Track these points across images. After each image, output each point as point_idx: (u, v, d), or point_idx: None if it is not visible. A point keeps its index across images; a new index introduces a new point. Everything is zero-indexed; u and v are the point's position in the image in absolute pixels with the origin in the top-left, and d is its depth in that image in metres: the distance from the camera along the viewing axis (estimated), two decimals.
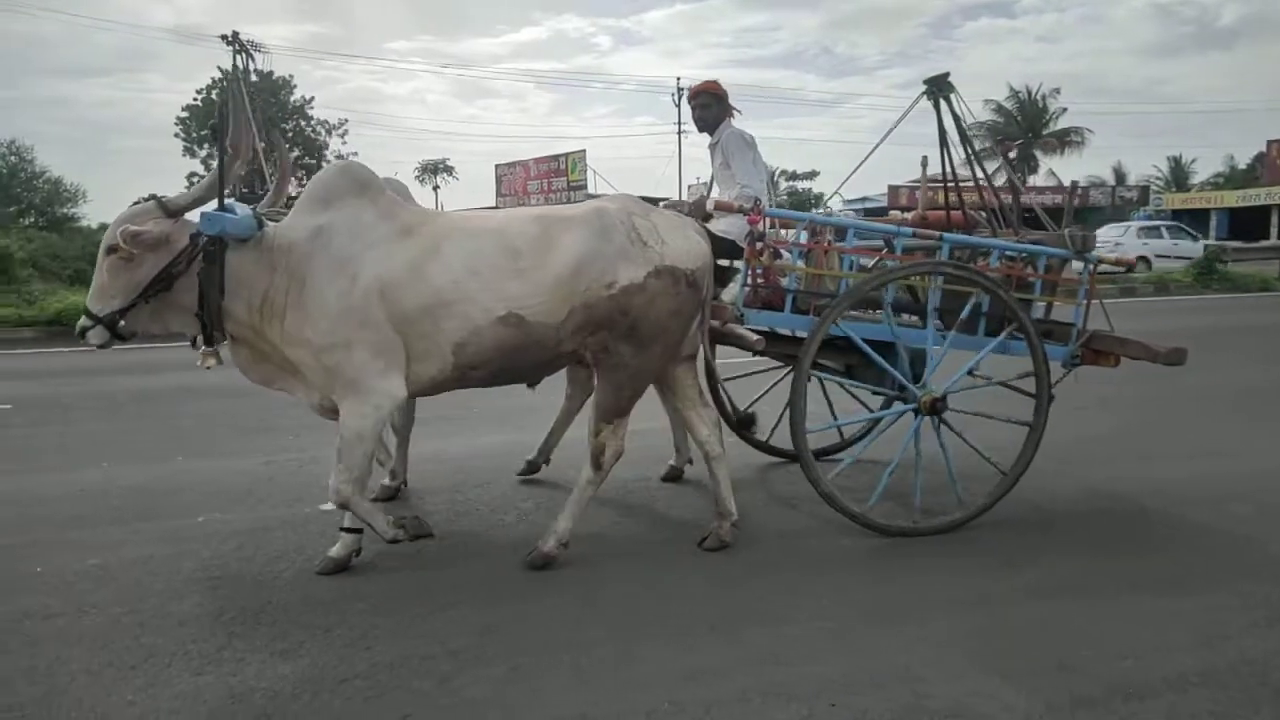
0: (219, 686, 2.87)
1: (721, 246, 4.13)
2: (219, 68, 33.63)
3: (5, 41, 66.62)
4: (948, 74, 4.95)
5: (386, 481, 4.79)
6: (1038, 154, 43.56)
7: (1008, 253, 4.54)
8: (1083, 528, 4.38)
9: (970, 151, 5.08)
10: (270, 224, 3.68)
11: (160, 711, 2.72)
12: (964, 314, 4.25)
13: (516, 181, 38.23)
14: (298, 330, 3.57)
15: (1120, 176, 47.68)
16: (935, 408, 4.26)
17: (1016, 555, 3.98)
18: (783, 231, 4.93)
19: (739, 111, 5.08)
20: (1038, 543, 4.15)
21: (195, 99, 40.56)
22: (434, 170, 60.96)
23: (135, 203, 3.65)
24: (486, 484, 5.00)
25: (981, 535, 4.23)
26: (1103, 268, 4.74)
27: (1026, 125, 43.25)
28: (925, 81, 4.99)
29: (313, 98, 42.02)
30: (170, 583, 3.68)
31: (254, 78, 34.22)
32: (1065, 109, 43.37)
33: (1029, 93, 43.41)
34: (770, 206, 4.95)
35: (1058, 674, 2.95)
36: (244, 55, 32.69)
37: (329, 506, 4.62)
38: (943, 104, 4.96)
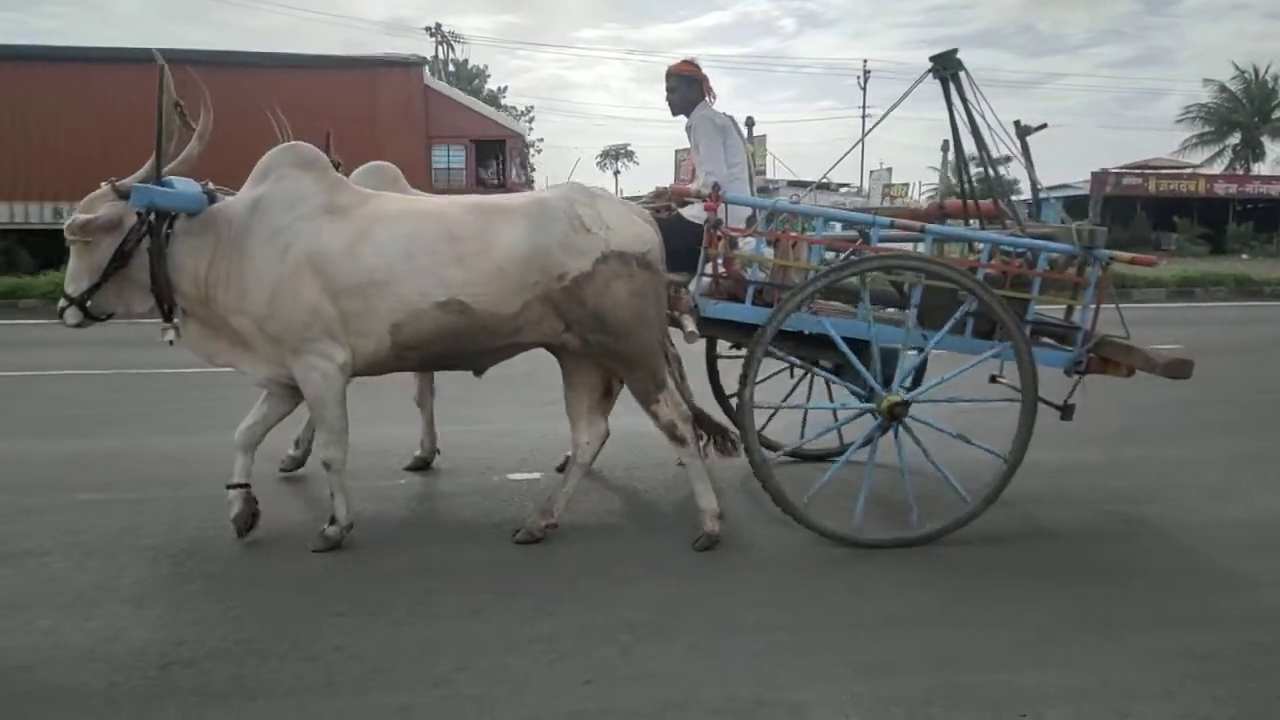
0: (415, 638, 3.06)
1: (691, 233, 4.01)
2: (422, 57, 35.46)
3: (240, 35, 72.86)
4: (955, 50, 4.56)
5: (417, 452, 5.00)
6: (1265, 140, 39.60)
7: (1002, 247, 4.17)
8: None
9: (977, 135, 4.61)
10: (221, 199, 3.80)
11: (364, 657, 2.93)
12: (955, 312, 3.91)
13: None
14: (238, 301, 3.66)
15: None
16: (894, 413, 3.93)
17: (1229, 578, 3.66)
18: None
19: (714, 95, 4.83)
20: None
21: None
22: (615, 156, 62.10)
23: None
24: (661, 463, 5.07)
25: (1198, 546, 3.92)
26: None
27: (1254, 109, 39.40)
28: (932, 59, 4.58)
29: (505, 87, 43.74)
30: (374, 538, 3.94)
31: (451, 68, 35.87)
32: None
33: (1256, 73, 39.60)
34: (750, 193, 4.75)
35: None
36: (445, 45, 34.34)
37: (518, 476, 4.85)
38: (955, 85, 4.51)
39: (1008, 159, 4.84)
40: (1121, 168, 38.33)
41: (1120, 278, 17.22)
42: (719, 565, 3.71)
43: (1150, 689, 2.80)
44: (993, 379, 4.55)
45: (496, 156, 18.20)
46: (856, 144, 5.29)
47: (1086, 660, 2.96)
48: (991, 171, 4.66)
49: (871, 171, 36.28)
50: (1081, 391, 4.12)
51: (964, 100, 4.44)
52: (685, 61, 4.82)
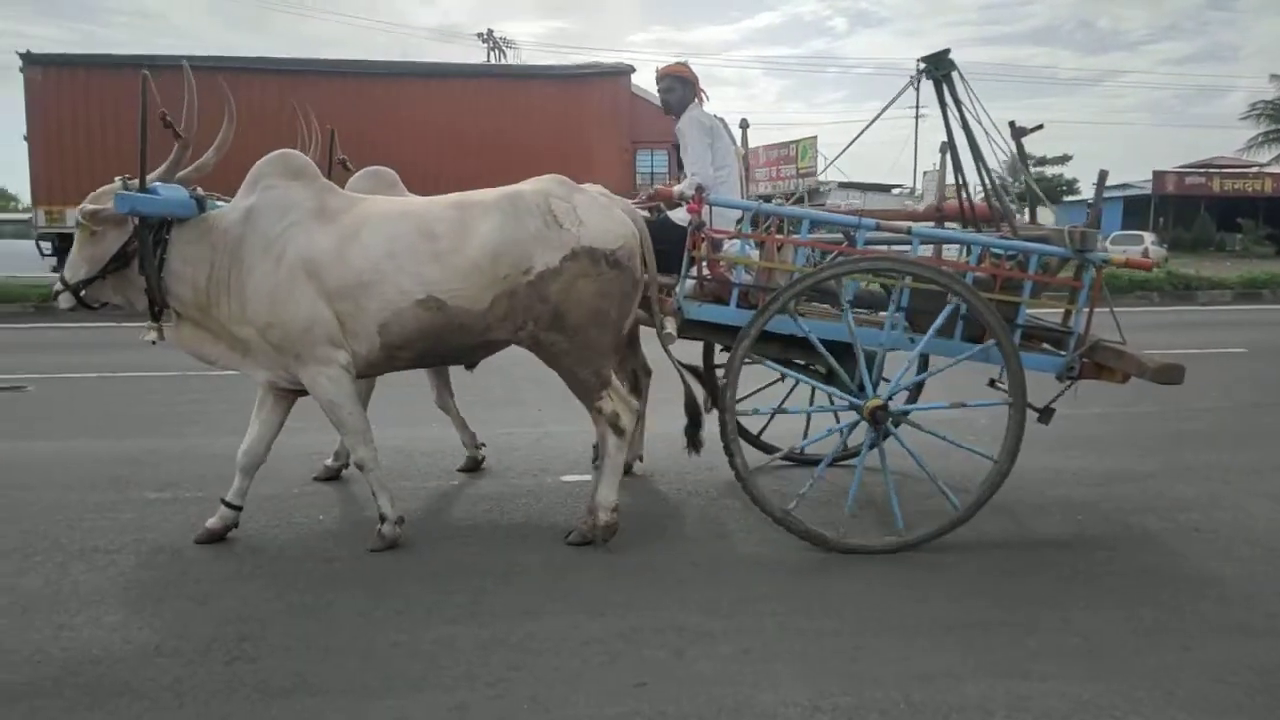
0: (469, 637, 3.09)
1: (679, 236, 3.98)
2: (629, 66, 35.99)
3: (293, 42, 74.44)
4: (948, 50, 4.49)
5: (469, 454, 5.02)
6: None
7: (993, 249, 4.07)
8: None
9: (970, 137, 4.54)
10: (216, 206, 3.88)
11: (419, 654, 2.97)
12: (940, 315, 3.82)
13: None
14: (241, 311, 3.73)
15: None
16: (876, 416, 3.86)
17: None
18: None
19: (707, 96, 4.83)
20: None
21: None
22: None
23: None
24: (714, 467, 5.05)
25: (1263, 555, 3.81)
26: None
27: None
28: (922, 59, 4.53)
29: None
30: (428, 538, 3.99)
31: None
32: None
33: None
34: (741, 195, 4.71)
35: None
36: (496, 51, 34.71)
37: (570, 478, 4.88)
38: (949, 87, 4.46)
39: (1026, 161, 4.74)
40: (1184, 167, 37.32)
41: (1184, 280, 16.82)
42: (769, 569, 3.70)
43: (1218, 701, 2.72)
44: (992, 383, 4.48)
45: None
46: (845, 149, 5.18)
47: (1151, 671, 2.89)
48: (986, 173, 4.60)
49: (925, 172, 35.81)
50: (1133, 396, 4.03)
51: (957, 102, 4.42)
52: (678, 63, 4.85)
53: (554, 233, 3.69)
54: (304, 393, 3.91)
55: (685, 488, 4.78)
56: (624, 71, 17.56)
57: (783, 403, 5.05)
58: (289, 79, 15.73)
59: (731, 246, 4.28)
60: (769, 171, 36.49)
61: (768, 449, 5.08)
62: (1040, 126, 4.82)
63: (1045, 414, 4.05)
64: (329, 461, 4.97)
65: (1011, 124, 4.78)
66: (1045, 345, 4.24)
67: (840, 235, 4.54)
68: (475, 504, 4.51)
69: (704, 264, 4.08)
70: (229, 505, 3.98)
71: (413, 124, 15.26)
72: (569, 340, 3.74)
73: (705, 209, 4.01)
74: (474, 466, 5.05)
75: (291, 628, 3.16)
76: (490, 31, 34.85)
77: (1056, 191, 42.26)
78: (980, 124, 4.36)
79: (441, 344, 3.80)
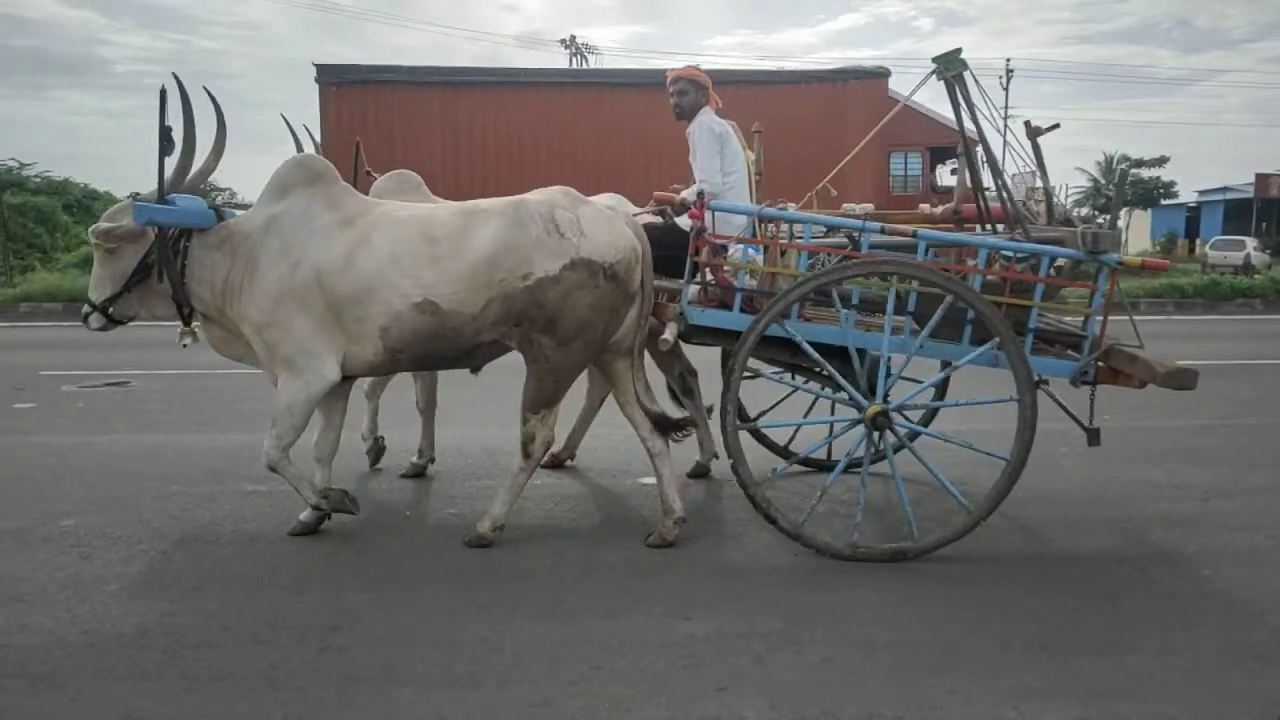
0: (552, 635, 3.12)
1: (685, 241, 3.96)
2: (886, 69, 36.39)
3: (385, 52, 76.48)
4: (959, 50, 4.33)
5: (415, 459, 5.04)
6: None
7: (1004, 252, 3.98)
8: None
9: (982, 136, 4.40)
10: (235, 215, 3.99)
11: (504, 650, 3.01)
12: (931, 316, 3.71)
13: None
14: (245, 309, 3.85)
15: None
16: (877, 422, 3.79)
17: None
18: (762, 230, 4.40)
19: (717, 103, 4.74)
20: None
21: None
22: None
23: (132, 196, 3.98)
24: (794, 472, 5.01)
25: None
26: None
27: None
28: (934, 59, 4.37)
29: None
30: (512, 536, 4.04)
31: None
32: None
33: None
34: (751, 200, 4.61)
35: None
36: (579, 57, 35.05)
37: (649, 480, 4.88)
38: (961, 87, 4.33)
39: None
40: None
41: None
42: (852, 577, 3.64)
43: None
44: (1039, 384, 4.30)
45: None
46: (854, 152, 5.04)
47: (1258, 695, 2.76)
48: (997, 174, 4.53)
49: (1012, 175, 34.84)
50: (1238, 408, 3.86)
51: (968, 102, 4.33)
52: (690, 66, 4.81)
53: (555, 241, 3.72)
54: (350, 378, 4.05)
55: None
56: (882, 74, 17.53)
57: (809, 410, 5.02)
58: (522, 91, 16.73)
59: (736, 251, 4.27)
60: None
61: (783, 454, 5.07)
62: (1056, 126, 4.72)
63: (1093, 435, 3.94)
64: (414, 459, 5.08)
65: (1027, 124, 4.69)
66: (1069, 351, 4.11)
67: (845, 239, 4.46)
68: (557, 504, 4.55)
69: (708, 269, 4.08)
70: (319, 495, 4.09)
71: (660, 135, 15.08)
72: (555, 346, 3.78)
73: (710, 214, 3.99)
74: (418, 473, 5.06)
75: (380, 619, 3.23)
76: (573, 37, 35.26)
77: (1153, 194, 40.71)
78: (994, 124, 4.32)
79: (437, 347, 3.85)
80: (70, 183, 25.76)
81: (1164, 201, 41.68)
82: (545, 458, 5.04)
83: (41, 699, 2.70)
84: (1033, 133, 4.66)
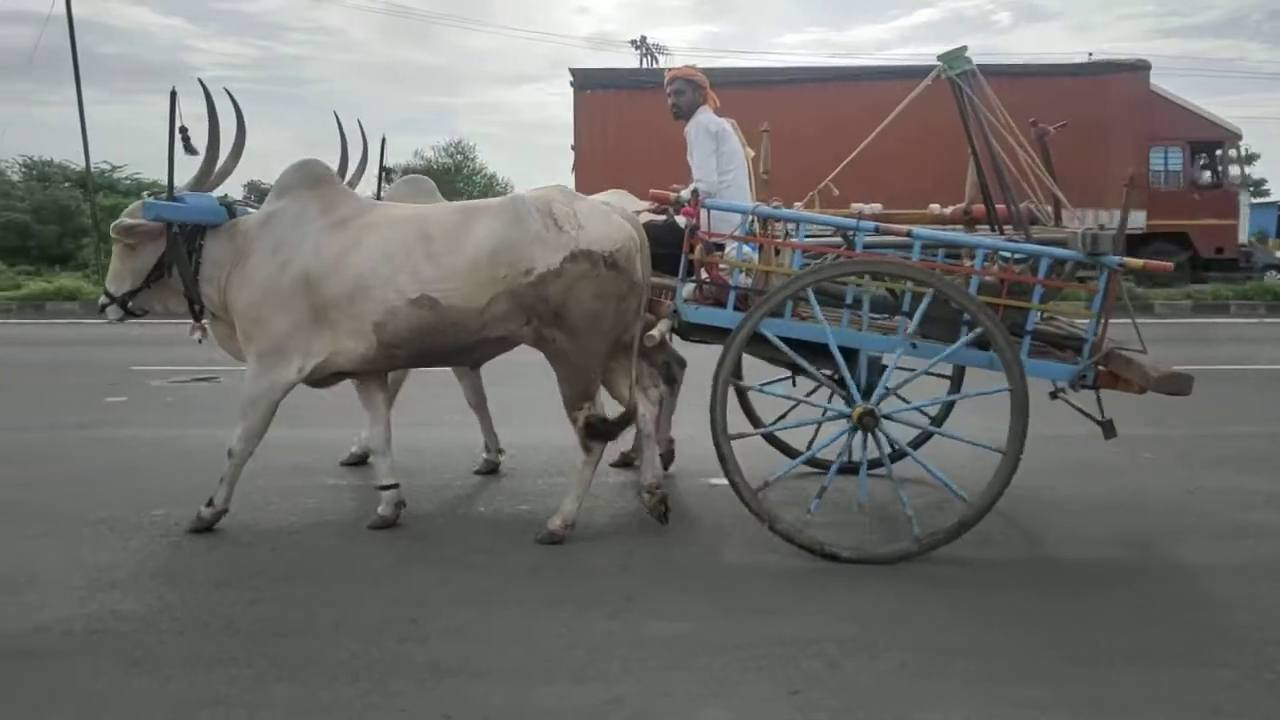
0: (625, 633, 3.14)
1: (680, 237, 4.00)
2: (1146, 61, 36.40)
3: (457, 56, 77.78)
4: (964, 48, 4.25)
5: (486, 455, 5.11)
6: None
7: (1002, 253, 3.97)
8: None
9: (984, 135, 4.31)
10: (248, 213, 4.13)
11: (578, 646, 3.04)
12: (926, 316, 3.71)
13: None
14: (233, 299, 4.00)
15: None
16: (863, 422, 3.76)
17: None
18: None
19: (715, 102, 4.78)
20: None
21: None
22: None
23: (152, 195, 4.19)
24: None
25: None
26: None
27: None
28: (940, 58, 4.28)
29: None
30: (583, 534, 4.08)
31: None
32: None
33: None
34: (749, 198, 4.55)
35: None
36: (650, 58, 35.16)
37: (716, 481, 4.87)
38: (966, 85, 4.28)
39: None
40: None
41: None
42: (926, 583, 3.59)
43: None
44: (1053, 395, 4.19)
45: (1212, 157, 17.93)
46: (856, 153, 4.93)
47: None
48: (1000, 174, 4.47)
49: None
50: None
51: (970, 101, 4.26)
52: (688, 66, 4.86)
53: (554, 235, 3.78)
54: (351, 374, 4.20)
55: (834, 498, 4.68)
56: (1143, 67, 17.18)
57: (787, 413, 4.93)
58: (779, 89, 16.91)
59: (733, 250, 4.28)
60: None
61: (815, 463, 4.89)
62: (1064, 124, 4.61)
63: (1108, 429, 3.90)
64: (487, 455, 5.16)
65: (1033, 123, 4.60)
66: (1073, 355, 4.01)
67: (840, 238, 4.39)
68: (629, 503, 4.57)
69: (703, 267, 4.11)
70: (385, 488, 4.23)
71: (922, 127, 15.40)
72: (569, 339, 3.83)
73: (705, 212, 4.02)
74: (492, 469, 5.14)
75: (457, 612, 3.30)
76: (643, 38, 35.36)
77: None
78: (998, 123, 4.27)
79: (437, 341, 3.93)
80: (158, 184, 26.69)
81: (1255, 200, 40.02)
82: (617, 457, 5.10)
83: (135, 683, 2.82)
84: (1039, 132, 4.60)
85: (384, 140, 5.12)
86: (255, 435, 4.11)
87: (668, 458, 5.05)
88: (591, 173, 16.24)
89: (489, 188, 41.98)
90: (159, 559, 3.83)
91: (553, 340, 3.86)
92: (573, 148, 17.85)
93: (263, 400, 4.03)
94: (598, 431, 4.00)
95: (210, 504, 4.13)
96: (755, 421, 5.00)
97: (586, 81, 17.84)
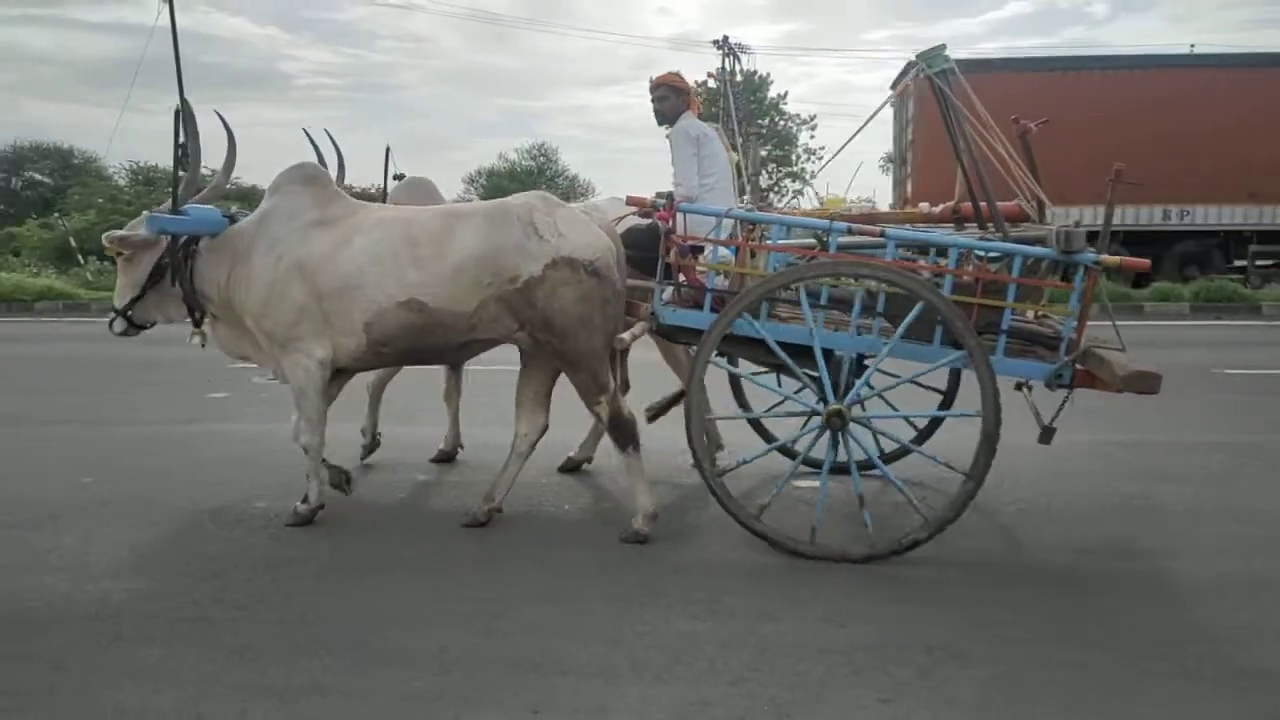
0: (710, 634, 3.13)
1: (658, 240, 4.05)
2: (708, 72, 36.37)
3: (538, 58, 78.75)
4: (943, 46, 4.18)
5: (571, 454, 5.15)
6: None
7: (976, 251, 3.98)
8: None
9: (961, 134, 4.24)
10: (242, 219, 4.29)
11: (663, 647, 3.04)
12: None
13: None
14: (243, 301, 4.14)
15: None
16: (831, 422, 3.78)
17: None
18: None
19: (698, 108, 4.92)
20: None
21: None
22: (903, 161, 60.11)
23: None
24: (951, 480, 4.83)
25: None
26: None
27: None
28: (918, 56, 4.22)
29: (786, 93, 43.53)
30: (668, 533, 4.08)
31: (739, 78, 36.46)
32: None
33: None
34: (732, 202, 4.63)
35: None
36: (731, 57, 35.00)
37: (801, 484, 4.83)
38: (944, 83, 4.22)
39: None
40: None
41: None
42: (1019, 590, 3.50)
43: None
44: (1018, 387, 4.15)
45: None
46: (838, 152, 4.88)
47: None
48: (978, 173, 4.42)
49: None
50: None
51: (946, 100, 4.22)
52: (671, 73, 4.94)
53: (535, 243, 3.88)
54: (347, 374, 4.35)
55: (929, 500, 4.59)
56: None
57: (768, 410, 4.92)
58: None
59: (712, 252, 4.28)
60: None
61: (789, 453, 4.89)
62: (1045, 121, 4.58)
63: (1046, 434, 3.83)
64: (572, 454, 5.21)
65: (1015, 120, 4.55)
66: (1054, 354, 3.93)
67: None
68: (713, 504, 4.54)
69: (681, 270, 4.15)
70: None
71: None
72: (562, 341, 3.94)
73: (681, 216, 4.09)
74: (446, 459, 5.35)
75: (541, 608, 3.34)
76: (725, 38, 35.14)
77: None
78: (973, 122, 4.26)
79: (425, 342, 4.06)
80: (258, 190, 27.69)
81: None
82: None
83: (237, 670, 2.92)
84: (1021, 130, 4.56)
85: (388, 150, 5.42)
86: (317, 423, 4.25)
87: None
88: (927, 170, 16.04)
89: (570, 189, 42.47)
90: (259, 550, 3.97)
91: (547, 344, 3.98)
92: (909, 145, 17.56)
93: (308, 386, 4.17)
94: (622, 429, 4.10)
95: (305, 500, 4.28)
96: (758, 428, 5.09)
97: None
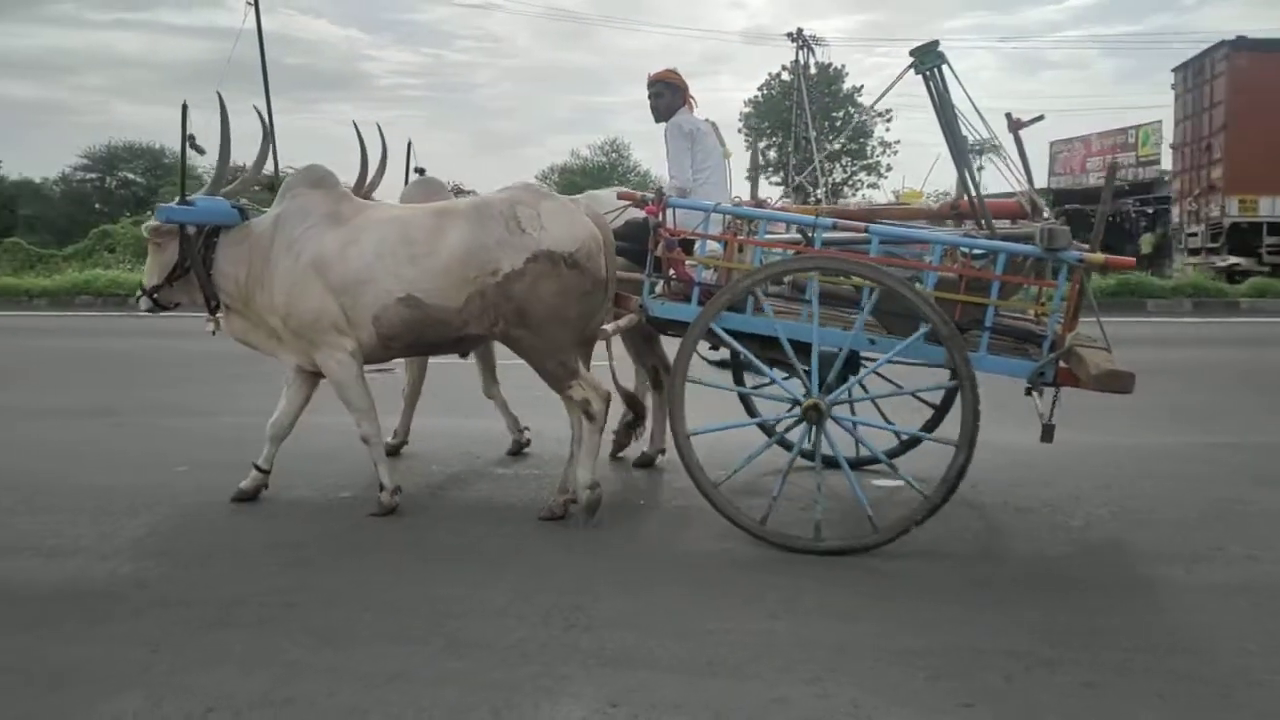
0: (788, 633, 3.11)
1: (639, 232, 4.13)
2: (782, 65, 36.05)
3: (617, 56, 78.98)
4: (937, 43, 4.23)
5: (389, 440, 5.22)
6: None
7: (960, 248, 3.99)
8: None
9: (953, 133, 4.27)
10: (256, 215, 4.44)
11: (741, 644, 3.02)
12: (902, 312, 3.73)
13: (1074, 159, 35.02)
14: (268, 301, 4.27)
15: None
16: (808, 415, 3.80)
17: None
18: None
19: (694, 104, 4.99)
20: None
21: (757, 94, 43.99)
22: (978, 151, 58.70)
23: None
24: (1049, 483, 4.71)
25: None
26: None
27: None
28: (911, 53, 4.24)
29: (861, 85, 42.87)
30: (740, 531, 4.05)
31: (813, 70, 36.07)
32: None
33: None
34: (726, 198, 4.76)
35: None
36: (806, 50, 34.63)
37: (881, 482, 4.76)
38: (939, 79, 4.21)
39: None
40: None
41: None
42: (1111, 595, 3.39)
43: None
44: (1029, 391, 4.01)
45: None
46: (826, 152, 4.95)
47: None
48: (969, 169, 4.43)
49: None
50: None
51: (941, 96, 4.20)
52: (668, 70, 5.02)
53: (517, 238, 3.97)
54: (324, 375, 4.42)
55: (1012, 503, 4.49)
56: None
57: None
58: None
59: (701, 246, 4.31)
60: (1101, 161, 33.27)
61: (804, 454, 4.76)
62: (1040, 118, 4.53)
63: (1047, 433, 3.79)
64: (646, 449, 5.22)
65: (1008, 116, 4.48)
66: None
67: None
68: (792, 500, 4.50)
69: (671, 264, 4.20)
70: (259, 469, 4.58)
71: None
72: (534, 335, 4.03)
73: (670, 211, 4.17)
74: (518, 450, 5.47)
75: (621, 602, 3.35)
76: (800, 30, 34.82)
77: None
78: (967, 118, 4.27)
79: (425, 336, 4.21)
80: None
81: None
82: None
83: (324, 654, 3.00)
84: (1014, 125, 4.48)
85: (410, 144, 5.56)
86: (368, 412, 4.37)
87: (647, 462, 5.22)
88: (1244, 153, 15.56)
89: (642, 184, 42.51)
90: (344, 538, 4.07)
91: (519, 339, 4.07)
92: (1224, 126, 16.82)
93: (348, 377, 4.29)
94: (591, 411, 4.16)
95: (381, 488, 4.38)
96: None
97: (1245, 47, 16.61)
